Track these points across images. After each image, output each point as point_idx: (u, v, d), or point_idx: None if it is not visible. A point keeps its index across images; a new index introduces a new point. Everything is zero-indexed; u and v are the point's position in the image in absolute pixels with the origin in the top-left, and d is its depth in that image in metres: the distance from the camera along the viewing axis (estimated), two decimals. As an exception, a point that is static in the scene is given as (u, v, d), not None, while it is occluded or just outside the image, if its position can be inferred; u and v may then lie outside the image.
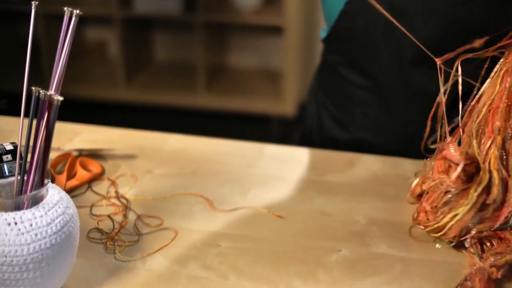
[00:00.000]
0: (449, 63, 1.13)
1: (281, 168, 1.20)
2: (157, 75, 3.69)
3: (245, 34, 3.66)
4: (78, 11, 0.81)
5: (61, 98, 0.77)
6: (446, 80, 1.11)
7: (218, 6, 3.42)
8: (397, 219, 1.05)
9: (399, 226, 1.03)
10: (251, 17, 3.37)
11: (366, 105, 1.35)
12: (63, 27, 0.81)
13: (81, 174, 1.14)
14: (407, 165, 1.21)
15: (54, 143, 0.83)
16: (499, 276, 0.89)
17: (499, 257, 0.91)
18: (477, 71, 1.06)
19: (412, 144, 1.29)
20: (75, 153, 1.20)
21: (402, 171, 1.19)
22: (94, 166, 1.17)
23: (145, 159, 1.22)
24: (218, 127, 3.38)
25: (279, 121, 3.44)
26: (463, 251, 0.96)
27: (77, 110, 3.15)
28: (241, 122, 3.47)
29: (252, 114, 3.46)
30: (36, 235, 0.78)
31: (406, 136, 1.31)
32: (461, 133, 1.01)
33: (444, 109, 1.03)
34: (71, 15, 0.81)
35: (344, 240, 1.00)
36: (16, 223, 0.78)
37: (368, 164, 1.21)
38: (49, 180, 0.82)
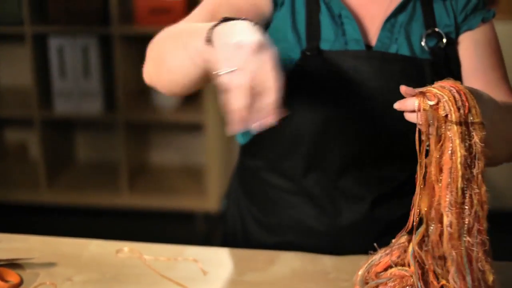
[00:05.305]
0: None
1: (201, 269, 1.20)
2: (79, 175, 3.66)
3: (166, 132, 3.68)
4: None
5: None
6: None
7: (138, 105, 3.44)
8: (317, 315, 1.07)
9: (320, 322, 1.05)
10: (172, 115, 3.40)
11: (293, 208, 1.31)
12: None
13: (-1, 286, 1.12)
14: (326, 260, 1.23)
15: (-30, 257, 0.83)
16: None
17: None
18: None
19: (341, 240, 1.29)
20: (-8, 264, 1.19)
21: (322, 267, 1.21)
22: (13, 277, 1.16)
23: (65, 266, 1.21)
24: (142, 226, 3.36)
25: (203, 217, 3.43)
26: None
27: (-2, 215, 3.11)
28: (165, 220, 3.46)
29: (176, 212, 3.45)
30: None
31: (336, 233, 1.30)
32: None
33: None
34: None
35: None
36: None
37: (288, 261, 1.23)
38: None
